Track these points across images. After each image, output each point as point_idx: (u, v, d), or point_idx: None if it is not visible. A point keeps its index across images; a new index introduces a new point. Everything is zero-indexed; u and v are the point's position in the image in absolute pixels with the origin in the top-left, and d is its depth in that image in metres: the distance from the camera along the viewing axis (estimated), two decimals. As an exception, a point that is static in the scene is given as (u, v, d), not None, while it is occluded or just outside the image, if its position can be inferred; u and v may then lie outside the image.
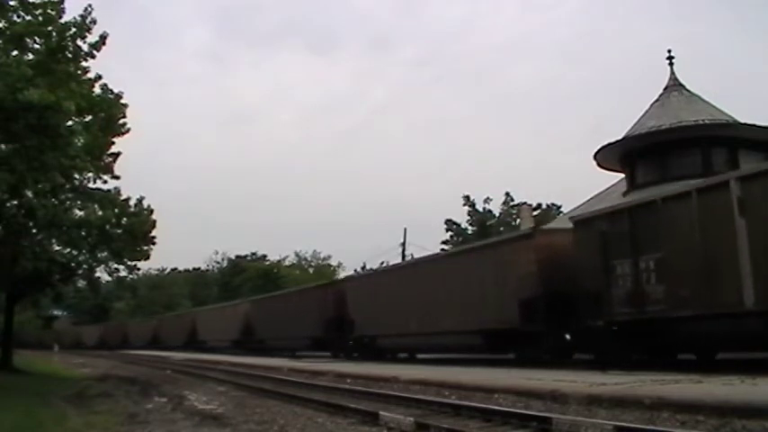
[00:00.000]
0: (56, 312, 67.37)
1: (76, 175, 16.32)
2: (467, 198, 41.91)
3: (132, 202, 19.69)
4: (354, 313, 22.68)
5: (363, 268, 45.60)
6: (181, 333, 43.32)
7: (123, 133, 17.62)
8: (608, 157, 21.08)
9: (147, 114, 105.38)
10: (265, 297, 35.55)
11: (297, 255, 67.29)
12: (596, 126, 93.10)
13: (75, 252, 19.08)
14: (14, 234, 16.33)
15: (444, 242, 41.68)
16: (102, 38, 14.19)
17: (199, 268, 78.43)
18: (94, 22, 13.76)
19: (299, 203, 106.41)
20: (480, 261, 16.22)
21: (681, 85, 21.06)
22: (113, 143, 17.67)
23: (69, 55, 13.95)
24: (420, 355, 21.36)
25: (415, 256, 34.06)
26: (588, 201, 22.73)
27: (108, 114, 16.71)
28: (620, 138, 20.40)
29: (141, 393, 13.76)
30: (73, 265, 19.42)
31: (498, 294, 15.02)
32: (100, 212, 18.41)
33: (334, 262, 65.84)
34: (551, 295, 13.52)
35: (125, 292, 65.40)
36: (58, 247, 18.83)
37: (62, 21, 13.53)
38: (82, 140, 14.91)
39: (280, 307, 30.11)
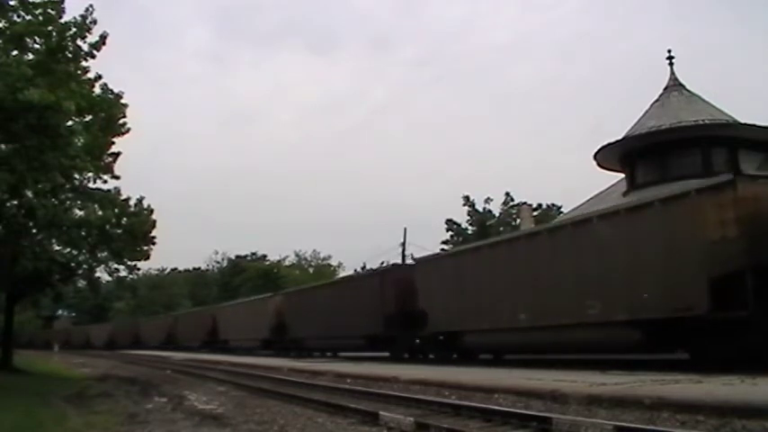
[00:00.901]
0: (59, 312, 67.41)
1: (76, 175, 16.32)
2: (467, 198, 42.13)
3: (132, 202, 19.70)
4: (427, 304, 18.47)
5: (363, 268, 45.59)
6: (199, 332, 39.63)
7: (123, 133, 17.63)
8: (608, 157, 21.11)
9: (147, 114, 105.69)
10: (303, 289, 31.29)
11: (297, 255, 67.68)
12: (596, 126, 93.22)
13: (75, 252, 19.07)
14: (14, 234, 16.32)
15: (444, 242, 41.84)
16: (102, 38, 14.21)
17: (199, 268, 78.85)
18: (95, 22, 13.79)
19: (299, 203, 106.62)
20: (637, 225, 12.18)
21: (681, 85, 21.10)
22: (113, 143, 17.70)
23: (69, 55, 13.96)
24: (508, 356, 17.32)
25: (416, 256, 30.58)
26: (588, 201, 22.73)
27: (108, 114, 16.71)
28: (620, 138, 20.45)
29: (141, 393, 13.77)
30: (73, 265, 19.41)
31: (668, 269, 11.27)
32: (100, 212, 18.40)
33: (334, 262, 66.25)
34: (761, 269, 9.96)
35: (125, 292, 65.52)
36: (58, 247, 18.83)
37: (62, 21, 13.54)
38: (82, 140, 14.92)
39: (322, 300, 25.55)
